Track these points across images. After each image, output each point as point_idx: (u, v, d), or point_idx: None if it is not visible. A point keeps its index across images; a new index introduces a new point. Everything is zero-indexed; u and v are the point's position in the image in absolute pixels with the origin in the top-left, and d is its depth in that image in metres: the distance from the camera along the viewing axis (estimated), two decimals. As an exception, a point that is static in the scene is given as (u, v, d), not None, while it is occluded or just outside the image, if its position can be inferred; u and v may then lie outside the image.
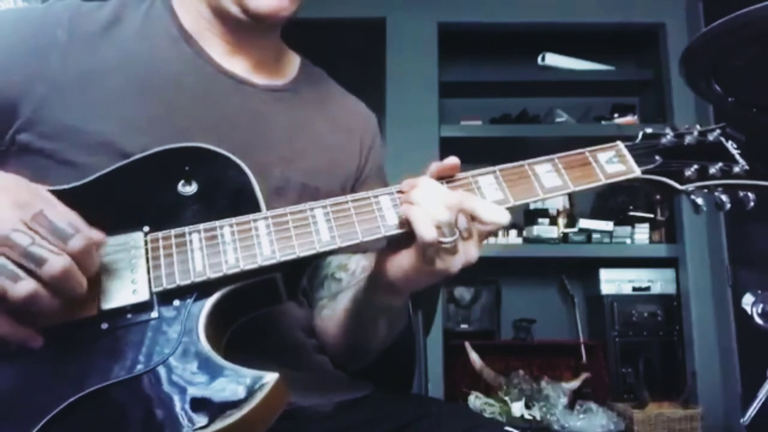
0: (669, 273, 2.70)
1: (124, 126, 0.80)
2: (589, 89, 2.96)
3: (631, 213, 2.73)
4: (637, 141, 0.81)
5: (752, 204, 0.80)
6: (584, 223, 2.70)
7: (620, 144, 0.80)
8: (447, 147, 2.70)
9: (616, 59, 2.95)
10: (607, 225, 2.68)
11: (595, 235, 2.68)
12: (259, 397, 0.60)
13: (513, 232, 2.74)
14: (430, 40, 2.83)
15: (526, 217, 2.83)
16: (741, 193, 0.80)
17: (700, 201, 0.80)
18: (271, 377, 0.61)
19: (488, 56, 3.01)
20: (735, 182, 0.80)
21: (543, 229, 2.70)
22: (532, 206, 2.91)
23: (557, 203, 2.86)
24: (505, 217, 0.70)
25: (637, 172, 0.78)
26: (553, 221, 2.74)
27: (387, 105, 2.79)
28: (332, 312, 0.92)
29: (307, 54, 1.04)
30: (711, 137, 0.82)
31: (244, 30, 0.89)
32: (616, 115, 2.86)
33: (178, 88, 0.86)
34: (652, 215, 2.73)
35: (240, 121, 0.87)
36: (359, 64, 2.58)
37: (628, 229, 2.69)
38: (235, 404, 0.60)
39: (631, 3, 2.81)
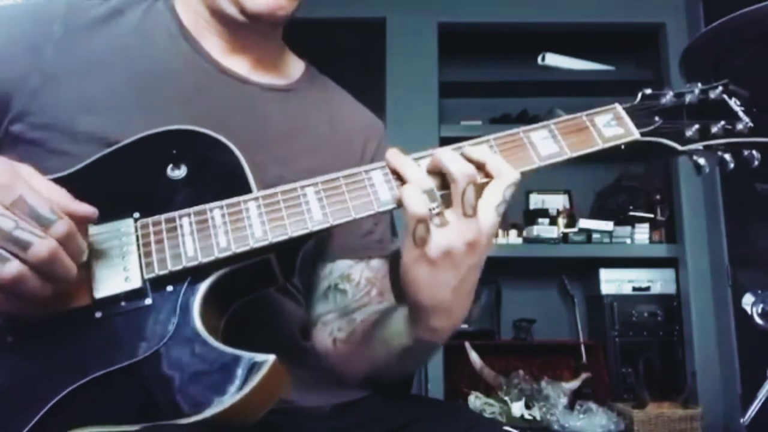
0: (669, 273, 2.70)
1: (118, 118, 0.80)
2: (589, 89, 2.96)
3: (631, 213, 2.73)
4: (636, 102, 0.79)
5: (757, 162, 0.76)
6: (584, 223, 2.70)
7: (618, 106, 0.78)
8: (447, 147, 2.70)
9: (616, 59, 2.95)
10: (607, 225, 2.68)
11: (595, 235, 2.68)
12: (257, 378, 0.60)
13: (513, 232, 2.74)
14: (430, 40, 2.83)
15: (526, 217, 2.83)
16: (745, 152, 0.77)
17: (702, 162, 0.77)
18: (268, 359, 0.61)
19: (488, 56, 3.00)
20: (739, 140, 0.76)
21: (543, 229, 2.70)
22: (532, 206, 2.92)
23: (557, 203, 2.86)
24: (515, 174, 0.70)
25: (636, 134, 0.76)
26: (553, 221, 2.73)
27: (387, 105, 2.79)
28: (348, 336, 0.87)
29: (307, 54, 1.04)
30: (713, 95, 0.79)
31: (243, 30, 0.89)
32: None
33: (176, 83, 0.86)
34: (652, 215, 2.73)
35: (238, 118, 0.87)
36: (359, 64, 2.58)
37: (628, 229, 2.68)
38: (234, 387, 0.59)
39: (631, 3, 2.81)
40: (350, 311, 0.91)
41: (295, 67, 1.00)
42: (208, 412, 0.59)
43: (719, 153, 0.77)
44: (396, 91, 2.81)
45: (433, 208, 0.66)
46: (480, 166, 0.70)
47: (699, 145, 0.76)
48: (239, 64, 0.91)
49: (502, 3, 2.85)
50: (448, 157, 0.69)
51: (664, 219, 2.72)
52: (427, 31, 2.84)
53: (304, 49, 1.04)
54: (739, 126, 0.76)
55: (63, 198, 0.63)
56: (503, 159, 0.71)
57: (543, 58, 2.87)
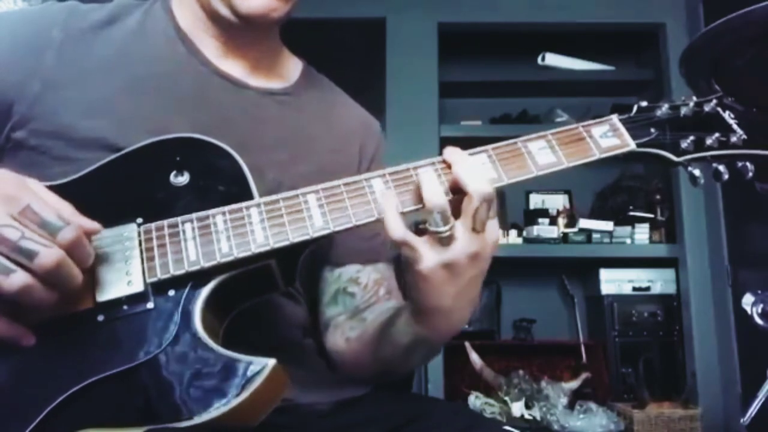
0: (669, 273, 2.70)
1: (119, 123, 0.80)
2: (589, 89, 2.96)
3: (631, 213, 2.73)
4: (632, 114, 0.80)
5: (751, 174, 0.78)
6: (584, 223, 2.70)
7: (615, 118, 0.79)
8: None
9: (616, 59, 2.95)
10: (607, 225, 2.68)
11: (595, 235, 2.68)
12: (258, 382, 0.60)
13: (513, 232, 2.74)
14: (430, 40, 2.83)
15: (526, 217, 2.83)
16: (739, 163, 0.78)
17: (697, 173, 0.78)
18: (269, 363, 0.61)
19: (488, 56, 3.00)
20: (733, 152, 0.78)
21: (543, 229, 2.70)
22: (532, 206, 2.92)
23: (557, 203, 2.86)
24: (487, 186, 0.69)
25: (632, 145, 0.77)
26: (553, 221, 2.73)
27: (387, 105, 2.79)
28: (360, 334, 0.88)
29: (307, 54, 1.04)
30: (708, 108, 0.80)
31: (238, 32, 0.89)
32: (616, 114, 2.86)
33: (173, 87, 0.86)
34: (652, 215, 2.73)
35: (234, 121, 0.87)
36: (359, 64, 2.58)
37: (628, 229, 2.68)
38: (235, 391, 0.60)
39: (631, 3, 2.81)
40: (360, 311, 0.92)
41: (293, 68, 1.00)
42: (208, 416, 0.59)
43: (714, 164, 0.78)
44: (396, 91, 2.81)
45: (444, 231, 0.67)
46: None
47: (694, 157, 0.78)
48: (236, 67, 0.91)
49: (502, 3, 2.85)
50: (468, 174, 0.69)
51: (664, 219, 2.72)
52: (427, 31, 2.84)
53: (305, 49, 1.04)
54: (734, 138, 0.78)
55: (68, 210, 0.64)
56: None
57: (543, 58, 2.87)
